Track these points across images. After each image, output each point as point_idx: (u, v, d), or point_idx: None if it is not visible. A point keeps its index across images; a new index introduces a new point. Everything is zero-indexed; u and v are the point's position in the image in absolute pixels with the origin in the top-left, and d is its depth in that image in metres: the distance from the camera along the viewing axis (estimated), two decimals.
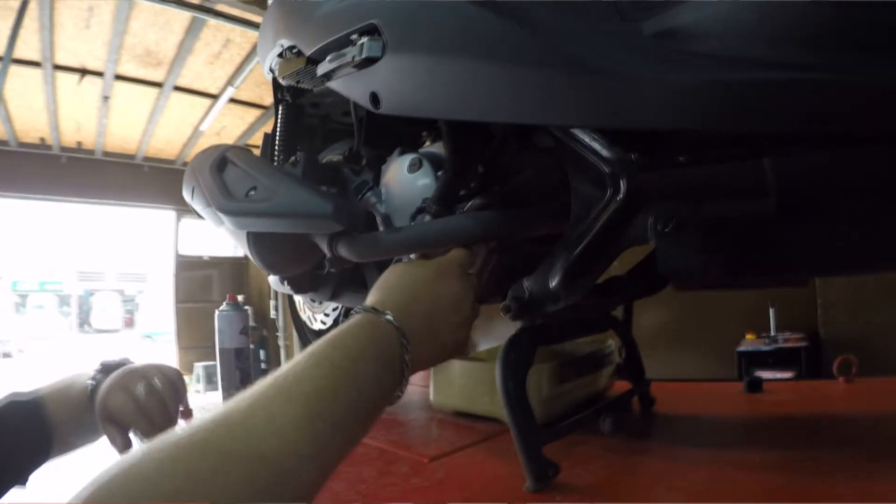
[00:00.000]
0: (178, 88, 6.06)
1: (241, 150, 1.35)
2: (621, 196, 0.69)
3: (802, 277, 0.82)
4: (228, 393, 1.48)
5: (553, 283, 0.77)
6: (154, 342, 19.97)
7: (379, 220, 1.04)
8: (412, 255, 0.90)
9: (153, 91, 6.09)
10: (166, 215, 9.11)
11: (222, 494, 0.42)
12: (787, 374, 3.21)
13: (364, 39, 0.85)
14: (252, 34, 4.98)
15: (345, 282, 1.32)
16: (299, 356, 0.54)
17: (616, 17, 0.59)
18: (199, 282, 9.42)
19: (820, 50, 0.47)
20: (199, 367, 8.85)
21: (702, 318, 3.80)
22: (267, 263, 1.17)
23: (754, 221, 0.64)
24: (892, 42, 0.45)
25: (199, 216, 1.33)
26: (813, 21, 0.47)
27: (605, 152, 0.70)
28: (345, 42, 0.91)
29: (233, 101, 6.37)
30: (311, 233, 1.01)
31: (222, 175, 1.22)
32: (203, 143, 7.60)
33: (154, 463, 0.43)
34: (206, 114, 6.69)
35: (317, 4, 1.02)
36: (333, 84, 0.98)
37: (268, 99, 6.33)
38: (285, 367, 0.53)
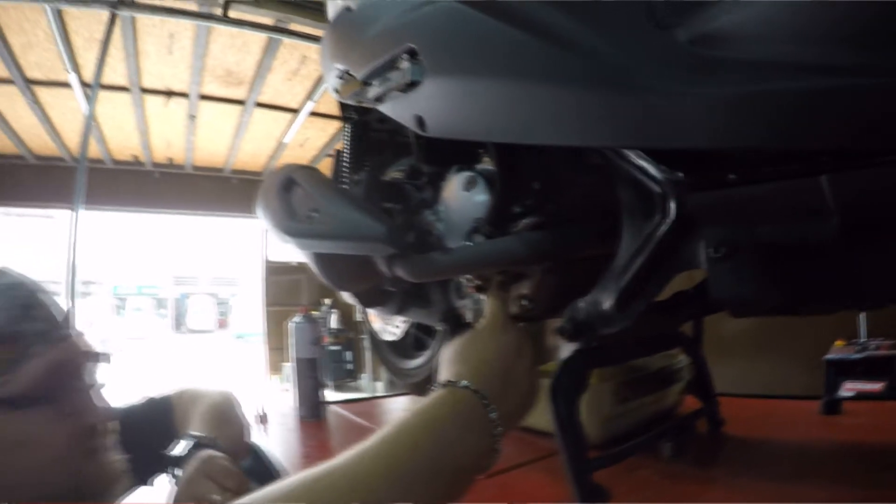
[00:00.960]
0: (260, 104, 6.26)
1: (308, 169, 1.37)
2: (670, 218, 0.65)
3: (871, 305, 0.74)
4: (303, 400, 1.52)
5: (606, 306, 0.74)
6: (246, 342, 20.70)
7: (435, 238, 1.03)
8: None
9: (237, 108, 6.32)
10: (255, 223, 9.40)
11: None
12: (878, 385, 3.02)
13: (405, 63, 0.85)
14: None
15: (410, 297, 1.33)
16: (385, 427, 0.56)
17: (652, 25, 0.55)
18: (286, 286, 9.68)
19: (883, 50, 0.41)
20: (286, 367, 9.09)
21: (785, 324, 3.49)
22: (332, 281, 1.20)
23: (815, 245, 0.57)
24: None
25: (261, 220, 1.37)
26: (874, 15, 0.41)
27: (652, 171, 0.65)
28: (389, 66, 0.91)
29: (313, 114, 6.52)
30: (368, 254, 1.01)
31: (289, 195, 1.24)
32: (287, 155, 7.84)
33: None
34: (289, 127, 6.89)
35: (360, 30, 1.03)
36: (383, 107, 0.98)
37: None
38: (373, 437, 0.55)
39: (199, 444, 0.88)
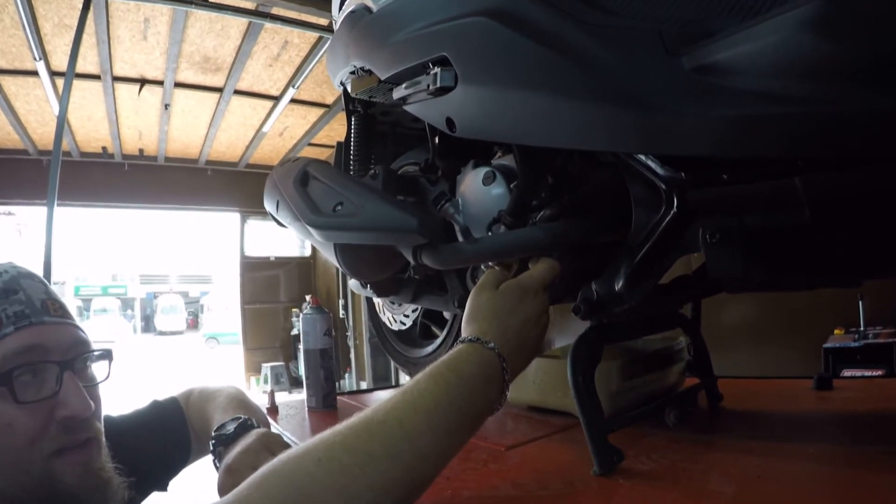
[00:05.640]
0: (238, 92, 6.35)
1: (322, 163, 1.50)
2: (674, 210, 0.83)
3: (842, 280, 0.92)
4: (314, 391, 1.65)
5: (618, 286, 0.90)
6: (219, 343, 20.69)
7: (458, 229, 1.17)
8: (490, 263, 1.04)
9: (213, 96, 6.41)
10: (231, 217, 9.44)
11: (368, 485, 0.61)
12: (876, 373, 3.11)
13: (437, 70, 0.99)
14: (310, 35, 5.17)
15: (425, 285, 1.47)
16: (421, 375, 0.73)
17: (662, 51, 0.71)
18: (265, 283, 9.74)
19: (834, 84, 0.58)
20: (266, 367, 9.22)
21: (787, 313, 3.72)
22: (353, 271, 1.33)
23: (791, 230, 0.76)
24: None
25: (280, 224, 1.49)
26: (825, 59, 0.58)
27: (659, 170, 0.83)
28: (418, 71, 1.06)
29: (294, 101, 6.63)
30: (396, 244, 1.16)
31: (307, 189, 1.37)
32: (266, 145, 7.91)
33: (312, 459, 0.62)
34: (268, 115, 6.98)
35: (387, 33, 1.15)
36: (410, 108, 1.13)
37: (329, 97, 6.56)
38: (411, 382, 0.72)
39: (246, 425, 1.00)
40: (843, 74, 0.57)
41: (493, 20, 0.88)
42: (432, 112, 1.04)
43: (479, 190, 1.16)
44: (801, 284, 0.94)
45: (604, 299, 0.94)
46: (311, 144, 8.16)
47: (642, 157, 0.85)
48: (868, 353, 3.28)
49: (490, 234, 1.09)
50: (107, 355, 0.93)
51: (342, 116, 7.02)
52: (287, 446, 0.93)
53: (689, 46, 0.68)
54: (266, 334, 9.68)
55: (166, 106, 6.47)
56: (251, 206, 9.13)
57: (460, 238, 1.20)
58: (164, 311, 26.17)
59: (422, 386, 0.71)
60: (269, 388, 9.01)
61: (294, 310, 9.80)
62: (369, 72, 1.31)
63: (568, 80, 0.79)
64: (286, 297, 10.00)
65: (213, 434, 0.99)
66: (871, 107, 0.57)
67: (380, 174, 1.38)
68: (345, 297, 8.96)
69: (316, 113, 7.18)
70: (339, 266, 1.33)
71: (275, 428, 1.35)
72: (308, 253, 10.15)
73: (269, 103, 6.73)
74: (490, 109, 0.93)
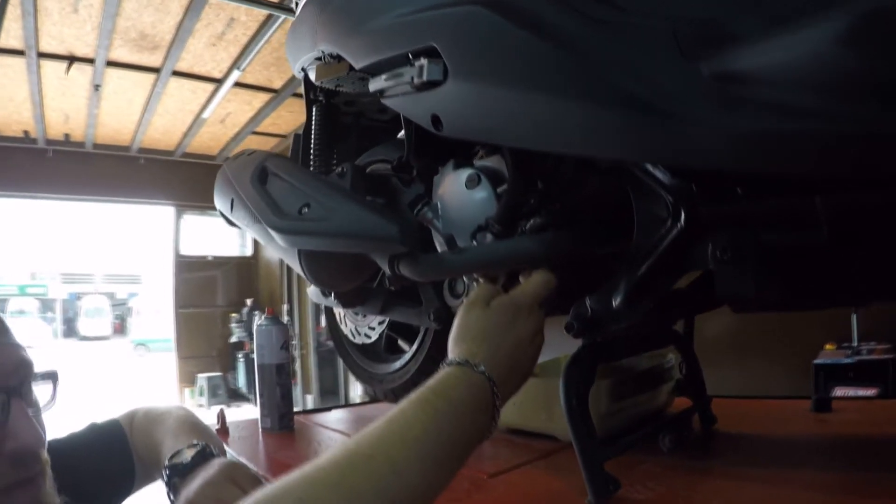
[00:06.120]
0: (176, 73, 6.20)
1: (282, 158, 1.48)
2: (681, 224, 0.83)
3: (856, 302, 0.94)
4: (269, 411, 1.62)
5: (616, 303, 0.90)
6: (149, 351, 20.32)
7: (437, 237, 1.16)
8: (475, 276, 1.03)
9: (149, 77, 6.25)
10: (165, 211, 9.29)
11: None
12: (870, 392, 3.16)
13: (423, 62, 0.97)
14: (258, 12, 5.08)
15: (395, 296, 1.45)
16: (406, 402, 0.72)
17: (677, 52, 0.71)
18: (201, 284, 9.61)
19: (863, 102, 0.58)
20: (202, 378, 9.10)
21: (776, 328, 3.73)
22: (319, 280, 1.31)
23: (807, 250, 0.77)
24: None
25: (233, 224, 1.46)
26: (861, 77, 0.58)
27: (666, 181, 0.83)
28: (401, 61, 1.04)
29: (238, 84, 6.49)
30: (371, 252, 1.14)
31: (266, 188, 1.34)
32: (206, 132, 7.79)
33: (293, 499, 0.59)
34: (209, 100, 6.85)
35: (366, 17, 1.13)
36: (390, 101, 1.11)
37: (277, 81, 6.48)
38: (396, 410, 0.70)
39: (205, 453, 0.97)
40: (880, 94, 0.58)
41: (491, 10, 0.86)
42: (416, 108, 1.02)
43: (461, 194, 1.14)
44: (813, 305, 0.94)
45: (599, 316, 0.93)
46: (255, 133, 8.06)
47: (649, 166, 0.85)
48: (861, 371, 3.29)
49: (475, 243, 1.07)
50: (51, 377, 0.88)
51: (291, 103, 6.98)
52: (255, 478, 0.92)
53: (707, 50, 0.68)
54: (202, 341, 9.53)
55: (97, 87, 6.28)
56: (188, 199, 9.05)
57: (439, 246, 1.18)
58: (88, 313, 25.58)
59: (409, 414, 0.70)
60: (204, 401, 8.90)
61: (233, 315, 9.68)
62: (339, 58, 1.28)
63: (572, 81, 0.78)
64: (224, 300, 9.86)
65: (167, 463, 0.96)
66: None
67: (348, 172, 1.36)
68: (289, 301, 8.89)
69: (262, 98, 7.06)
70: (302, 274, 1.31)
71: (229, 453, 1.32)
72: (249, 252, 10.04)
73: (210, 86, 6.58)
74: (484, 108, 0.91)
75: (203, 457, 0.96)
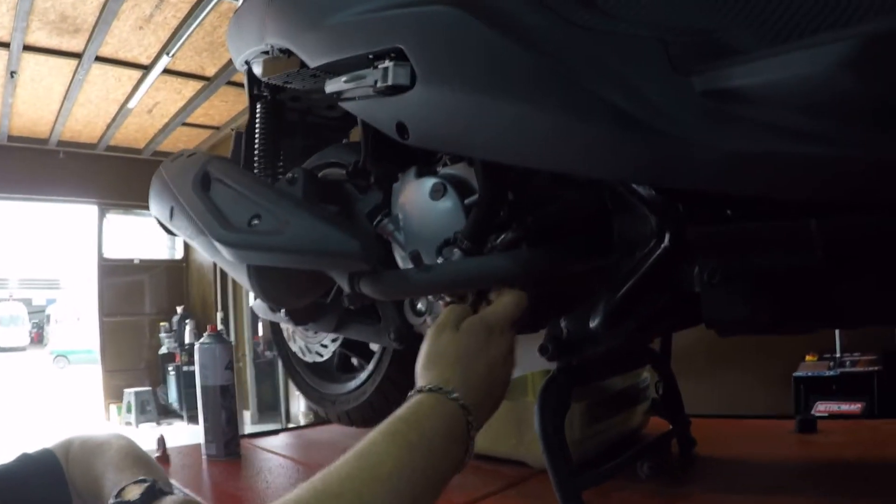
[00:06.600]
0: (100, 59, 6.08)
1: (225, 161, 1.46)
2: (665, 245, 0.84)
3: (848, 324, 0.96)
4: (213, 436, 1.59)
5: (594, 325, 0.91)
6: (69, 363, 19.85)
7: (398, 251, 1.15)
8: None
9: (70, 63, 6.12)
10: (86, 210, 9.10)
11: None
12: (855, 407, 3.15)
13: (388, 64, 0.96)
14: None
15: (351, 312, 1.43)
16: (376, 434, 0.71)
17: (667, 65, 0.71)
18: (128, 290, 9.43)
19: (866, 126, 0.60)
20: (129, 393, 8.91)
21: (753, 337, 3.65)
22: (270, 297, 1.29)
23: (801, 273, 0.78)
24: None
25: (171, 233, 1.43)
26: (859, 100, 0.59)
27: (650, 198, 0.84)
28: (363, 62, 1.03)
29: (168, 71, 6.41)
30: (329, 269, 1.12)
31: (209, 195, 1.32)
32: (132, 123, 7.66)
33: None
34: (136, 88, 6.74)
35: (324, 12, 1.11)
36: (349, 105, 1.10)
37: (210, 69, 6.40)
38: (365, 443, 0.69)
39: (154, 490, 0.96)
40: (881, 119, 0.59)
41: (465, 12, 0.86)
42: (379, 114, 1.02)
43: (425, 205, 1.13)
44: (803, 329, 0.96)
45: (575, 338, 0.94)
46: (186, 124, 7.98)
47: (633, 185, 0.85)
48: (845, 384, 3.28)
49: (441, 259, 1.07)
50: None
51: (225, 92, 6.91)
52: None
53: (699, 65, 0.68)
54: (129, 353, 9.34)
55: (12, 73, 6.12)
56: (112, 196, 8.90)
57: (400, 260, 1.18)
58: (3, 322, 24.90)
59: (380, 448, 0.69)
60: (132, 418, 8.74)
61: (162, 323, 9.49)
62: (289, 53, 1.27)
63: (552, 92, 0.79)
64: (153, 307, 9.67)
65: (111, 501, 0.94)
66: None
67: (299, 178, 1.34)
68: (224, 308, 8.78)
69: (193, 87, 6.97)
70: (252, 291, 1.29)
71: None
72: (180, 255, 9.87)
73: (137, 73, 6.47)
74: (455, 118, 0.91)
75: (152, 495, 0.94)
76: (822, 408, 3.15)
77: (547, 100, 0.79)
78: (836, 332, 3.44)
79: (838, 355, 3.48)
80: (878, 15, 0.59)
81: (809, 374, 3.43)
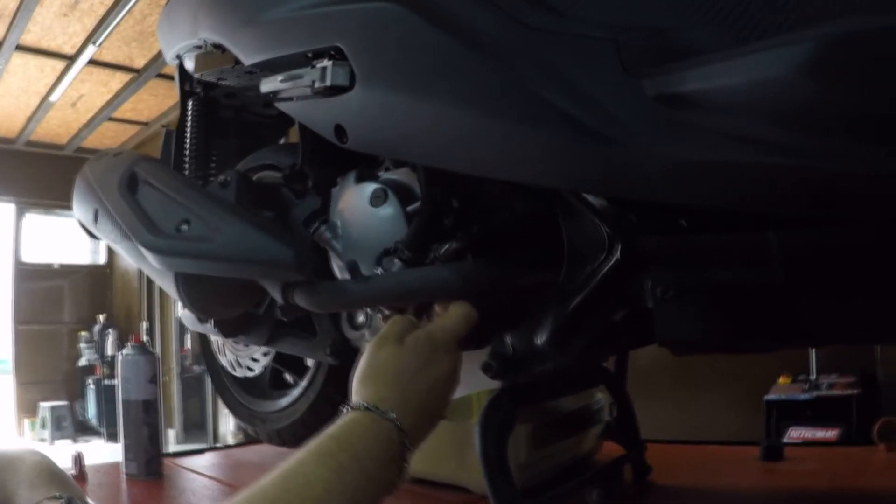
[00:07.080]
0: (21, 48, 5.95)
1: (154, 163, 1.43)
2: (617, 257, 0.83)
3: (810, 343, 0.98)
4: (134, 454, 1.56)
5: (539, 341, 0.91)
6: None
7: (336, 261, 1.13)
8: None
9: None
10: (3, 209, 8.91)
11: None
12: (831, 434, 3.02)
13: (327, 64, 0.96)
14: None
15: (285, 324, 1.42)
16: (304, 453, 0.69)
17: (618, 67, 0.71)
18: (45, 297, 9.22)
19: (826, 136, 0.60)
20: (44, 408, 8.70)
21: (720, 356, 3.27)
22: (199, 307, 1.27)
23: (760, 289, 0.78)
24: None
25: (94, 237, 1.40)
26: (820, 107, 0.60)
27: (601, 208, 0.84)
28: (299, 61, 1.02)
29: (94, 62, 6.31)
30: (261, 279, 1.11)
31: (136, 197, 1.29)
32: (54, 117, 7.51)
33: None
34: (59, 79, 6.63)
35: (260, 7, 1.10)
36: (285, 106, 1.08)
37: (139, 60, 6.32)
38: (293, 462, 0.68)
39: None
40: (844, 127, 0.59)
41: (408, 9, 0.85)
42: (317, 116, 1.01)
43: (364, 212, 1.12)
44: (763, 348, 0.97)
45: (521, 356, 0.94)
46: (112, 119, 7.85)
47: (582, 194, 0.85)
48: (820, 408, 3.17)
49: (381, 270, 1.06)
50: None
51: (154, 85, 6.84)
52: None
53: (653, 67, 0.69)
54: (45, 364, 9.10)
55: None
56: (31, 195, 8.72)
57: (338, 270, 1.17)
58: None
59: (308, 469, 0.68)
60: (47, 434, 8.53)
61: (82, 333, 9.28)
62: (223, 49, 1.25)
63: (497, 95, 0.78)
64: (73, 316, 9.46)
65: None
66: (874, 168, 0.59)
67: (232, 182, 1.32)
68: (149, 318, 8.64)
69: (121, 79, 6.85)
70: (179, 300, 1.27)
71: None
72: (103, 260, 9.68)
73: (61, 64, 6.36)
74: (396, 121, 0.90)
75: None
76: (795, 434, 3.06)
77: (493, 104, 0.79)
78: (812, 351, 3.37)
79: (813, 377, 3.42)
80: (844, 14, 0.60)
81: (782, 397, 3.33)
